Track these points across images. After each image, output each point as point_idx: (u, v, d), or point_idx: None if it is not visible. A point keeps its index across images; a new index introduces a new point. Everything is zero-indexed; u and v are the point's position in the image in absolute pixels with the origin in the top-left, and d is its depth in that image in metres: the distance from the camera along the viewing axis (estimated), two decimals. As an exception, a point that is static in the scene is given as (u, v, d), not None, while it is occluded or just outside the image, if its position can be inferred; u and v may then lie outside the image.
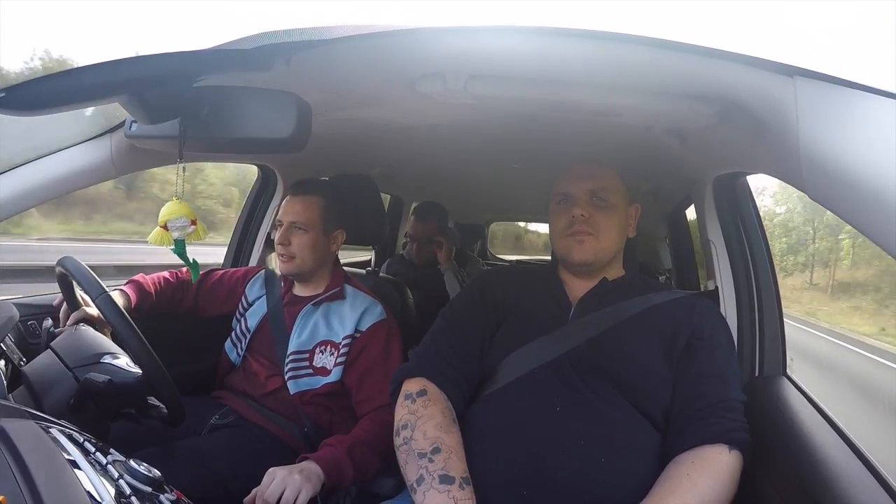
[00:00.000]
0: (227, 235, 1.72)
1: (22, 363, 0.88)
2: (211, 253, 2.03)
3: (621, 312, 0.87)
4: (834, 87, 0.52)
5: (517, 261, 4.84)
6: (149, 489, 0.55)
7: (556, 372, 0.82)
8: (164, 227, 0.74)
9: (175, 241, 0.76)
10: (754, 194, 1.14)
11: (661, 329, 0.85)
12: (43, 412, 0.66)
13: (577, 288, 0.93)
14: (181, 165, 0.73)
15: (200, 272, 1.29)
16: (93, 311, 1.00)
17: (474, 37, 0.64)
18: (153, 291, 1.19)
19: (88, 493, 0.46)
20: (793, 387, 0.94)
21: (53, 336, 0.95)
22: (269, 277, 1.28)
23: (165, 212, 0.74)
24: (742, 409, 0.79)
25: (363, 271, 1.54)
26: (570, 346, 0.84)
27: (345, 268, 1.29)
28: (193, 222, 0.76)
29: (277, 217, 1.20)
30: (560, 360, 0.83)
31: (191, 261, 0.84)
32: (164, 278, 1.24)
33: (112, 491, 0.49)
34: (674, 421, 0.79)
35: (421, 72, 0.77)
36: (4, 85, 0.52)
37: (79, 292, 1.02)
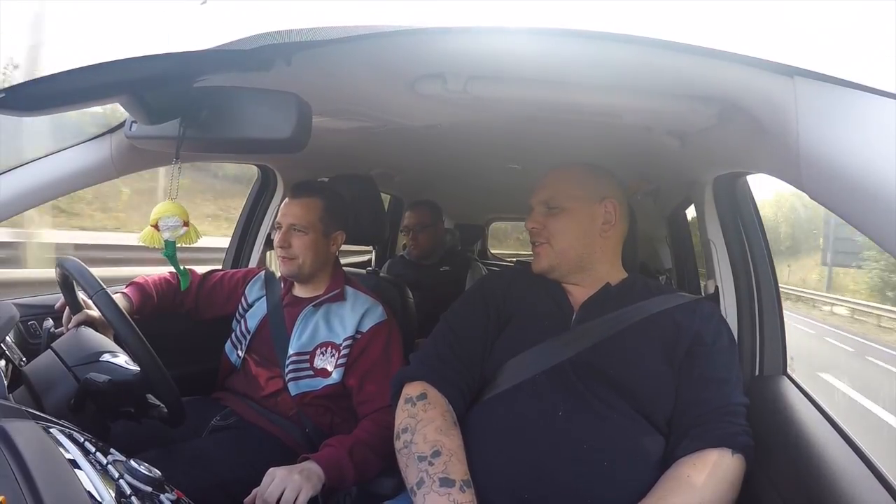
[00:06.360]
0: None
1: (22, 363, 0.88)
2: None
3: (623, 318, 0.86)
4: (834, 88, 0.51)
5: (517, 260, 4.83)
6: (149, 489, 0.55)
7: (559, 376, 0.81)
8: (156, 226, 0.70)
9: (165, 242, 0.71)
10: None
11: (663, 333, 0.85)
12: (43, 412, 0.66)
13: (579, 292, 0.93)
14: (177, 166, 0.71)
15: (200, 274, 1.30)
16: (94, 312, 1.00)
17: (474, 37, 0.64)
18: (154, 293, 1.19)
19: (88, 492, 0.46)
20: (793, 386, 0.94)
21: (54, 336, 0.95)
22: (269, 278, 1.27)
23: (158, 210, 0.70)
24: (744, 413, 0.79)
25: (363, 271, 1.54)
26: (573, 352, 0.83)
27: (345, 268, 1.29)
28: (186, 223, 0.71)
29: (277, 219, 1.19)
30: (562, 364, 0.82)
31: (181, 268, 0.80)
32: (165, 280, 1.24)
33: (112, 491, 0.49)
34: (676, 425, 0.79)
35: (421, 72, 0.77)
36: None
37: (80, 294, 1.02)
